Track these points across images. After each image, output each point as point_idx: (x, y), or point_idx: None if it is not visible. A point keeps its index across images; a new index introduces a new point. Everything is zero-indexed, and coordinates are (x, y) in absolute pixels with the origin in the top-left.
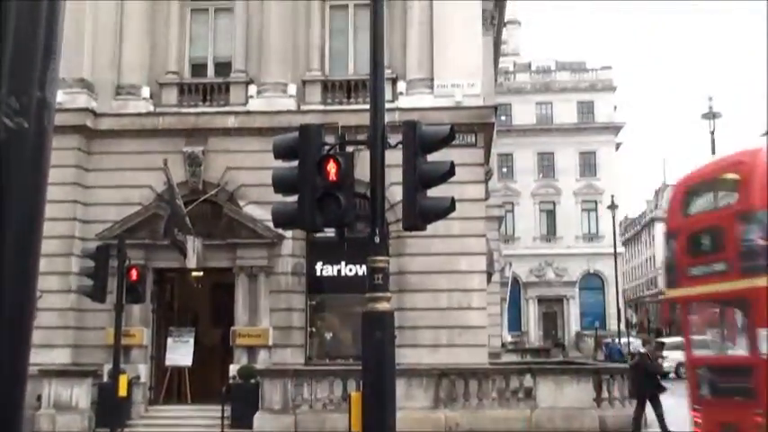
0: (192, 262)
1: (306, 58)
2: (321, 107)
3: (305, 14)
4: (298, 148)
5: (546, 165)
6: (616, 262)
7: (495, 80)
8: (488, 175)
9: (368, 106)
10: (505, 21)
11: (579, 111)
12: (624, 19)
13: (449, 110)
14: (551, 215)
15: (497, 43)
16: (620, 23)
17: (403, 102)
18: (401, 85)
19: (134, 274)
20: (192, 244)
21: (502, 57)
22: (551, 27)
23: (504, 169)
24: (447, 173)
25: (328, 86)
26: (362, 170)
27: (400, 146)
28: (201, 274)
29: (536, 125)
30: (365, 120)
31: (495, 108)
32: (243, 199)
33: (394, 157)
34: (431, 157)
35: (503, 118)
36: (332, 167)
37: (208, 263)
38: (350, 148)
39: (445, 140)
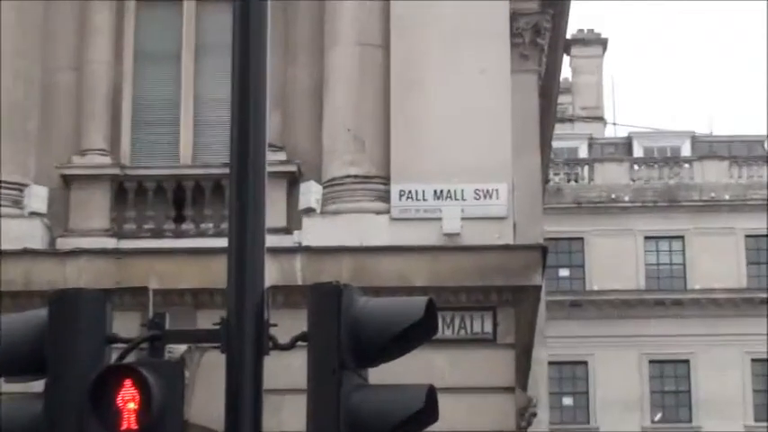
0: None
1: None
2: (107, 241)
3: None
4: (46, 353)
5: None
6: None
7: (545, 180)
8: (531, 412)
9: (219, 243)
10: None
11: None
12: None
13: (428, 253)
14: None
15: (549, 98)
16: None
17: (312, 231)
18: (309, 192)
19: None
20: None
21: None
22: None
23: None
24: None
25: (127, 191)
26: (210, 399)
27: (300, 346)
28: None
29: None
30: (215, 275)
31: (545, 250)
32: None
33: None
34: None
35: None
36: (128, 400)
37: None
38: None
39: (415, 335)
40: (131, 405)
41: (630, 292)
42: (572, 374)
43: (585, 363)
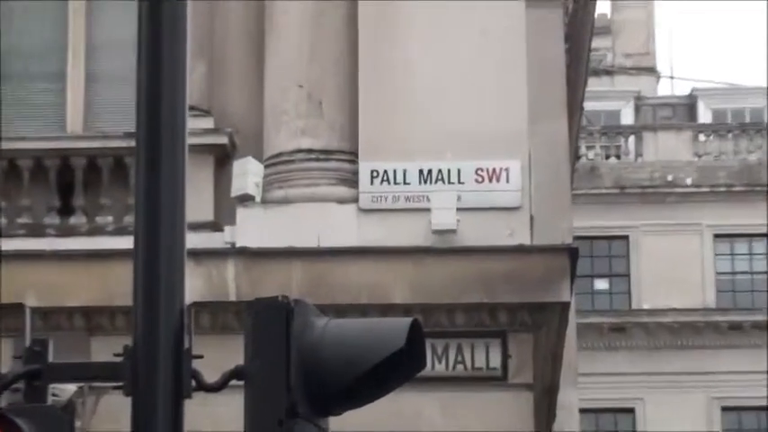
0: None
1: None
2: None
3: None
4: None
5: None
6: None
7: (575, 157)
8: None
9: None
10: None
11: None
12: None
13: (411, 257)
14: None
15: (580, 42)
16: None
17: (250, 227)
18: (245, 172)
19: None
20: None
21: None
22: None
23: None
24: None
25: None
26: None
27: (234, 385)
28: None
29: None
30: (116, 289)
31: (574, 254)
32: None
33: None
34: None
35: None
36: None
37: None
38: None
39: (393, 372)
40: None
41: (695, 312)
42: (613, 426)
43: (632, 410)
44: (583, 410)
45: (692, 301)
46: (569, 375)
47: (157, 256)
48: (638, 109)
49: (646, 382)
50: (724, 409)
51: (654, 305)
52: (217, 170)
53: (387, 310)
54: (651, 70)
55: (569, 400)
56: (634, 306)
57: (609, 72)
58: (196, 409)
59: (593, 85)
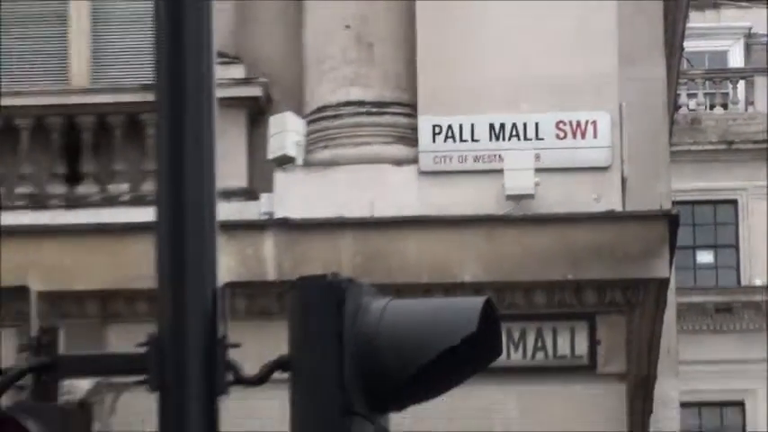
0: None
1: None
2: None
3: None
4: None
5: None
6: None
7: (674, 107)
8: None
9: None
10: None
11: None
12: None
13: (481, 227)
14: None
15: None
16: None
17: (291, 194)
18: (284, 130)
19: None
20: None
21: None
22: None
23: None
24: None
25: None
26: None
27: (277, 379)
28: None
29: None
30: (134, 268)
31: (675, 221)
32: None
33: None
34: None
35: None
36: None
37: None
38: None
39: (464, 361)
40: None
41: None
42: (720, 421)
43: (741, 403)
44: (684, 404)
45: None
46: (668, 363)
47: (184, 230)
48: (748, 48)
49: (757, 370)
50: None
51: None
52: (250, 128)
53: (453, 289)
54: (765, 1)
55: (669, 391)
56: (743, 282)
57: (715, 4)
58: (233, 406)
59: (696, 20)
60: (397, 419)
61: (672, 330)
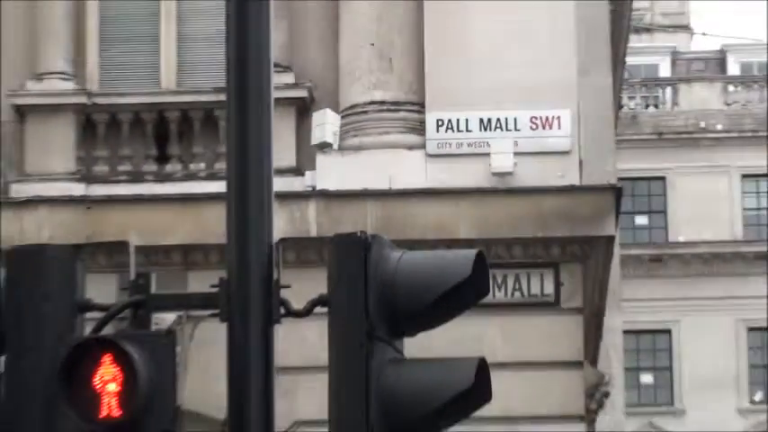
0: None
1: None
2: (74, 186)
3: None
4: (3, 324)
5: None
6: None
7: (618, 107)
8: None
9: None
10: None
11: None
12: None
13: (474, 197)
14: None
15: (622, 17)
16: None
17: (329, 171)
18: (323, 122)
19: None
20: None
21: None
22: None
23: None
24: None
25: (96, 125)
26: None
27: (318, 312)
28: None
29: None
30: (210, 228)
31: (618, 192)
32: None
33: None
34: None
35: None
36: (108, 381)
37: None
38: (167, 318)
39: (460, 298)
40: (112, 387)
41: (724, 243)
42: (652, 346)
43: (669, 331)
44: (626, 332)
45: (722, 233)
46: (614, 301)
47: (247, 198)
48: (673, 63)
49: (681, 306)
50: (750, 329)
51: (688, 238)
52: (298, 121)
53: (452, 244)
54: (686, 28)
55: (614, 323)
56: (670, 239)
57: (648, 30)
58: (285, 334)
59: (634, 41)
60: (408, 347)
61: (616, 275)
